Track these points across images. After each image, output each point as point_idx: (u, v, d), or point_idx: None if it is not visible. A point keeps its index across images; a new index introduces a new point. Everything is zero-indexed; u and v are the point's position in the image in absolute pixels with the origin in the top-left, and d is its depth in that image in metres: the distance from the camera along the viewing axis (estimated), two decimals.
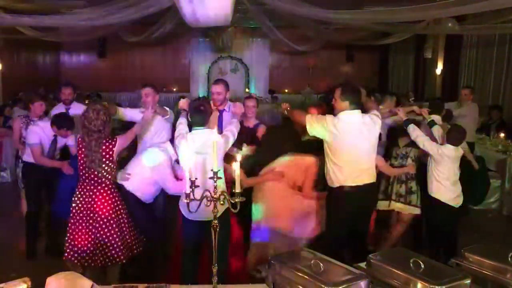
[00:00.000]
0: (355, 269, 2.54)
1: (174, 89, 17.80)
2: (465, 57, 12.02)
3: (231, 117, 4.40)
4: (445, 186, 4.38)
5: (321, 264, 2.42)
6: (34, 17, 8.48)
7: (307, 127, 3.99)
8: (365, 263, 2.67)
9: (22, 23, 9.44)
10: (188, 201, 2.50)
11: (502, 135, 7.87)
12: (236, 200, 2.43)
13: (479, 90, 11.41)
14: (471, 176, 6.99)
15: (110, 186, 3.95)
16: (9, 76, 12.29)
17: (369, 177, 3.99)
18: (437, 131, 4.66)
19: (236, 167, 2.42)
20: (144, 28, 12.45)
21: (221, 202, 2.48)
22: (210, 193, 2.49)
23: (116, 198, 3.97)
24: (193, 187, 2.51)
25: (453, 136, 4.38)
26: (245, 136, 4.49)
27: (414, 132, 4.47)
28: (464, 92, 7.45)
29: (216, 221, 2.52)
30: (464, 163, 6.96)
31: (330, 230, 4.12)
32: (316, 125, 3.93)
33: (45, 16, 8.46)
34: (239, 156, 2.47)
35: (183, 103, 4.20)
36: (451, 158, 4.33)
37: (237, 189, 2.43)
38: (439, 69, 13.31)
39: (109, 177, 3.94)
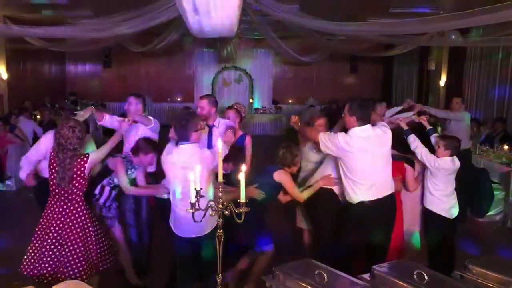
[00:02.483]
0: (359, 280, 2.55)
1: (179, 99, 17.92)
2: (469, 69, 12.05)
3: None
4: (438, 198, 4.37)
5: (325, 275, 2.44)
6: (42, 28, 8.56)
7: (320, 145, 4.01)
8: (369, 274, 2.68)
9: (29, 34, 9.54)
10: (193, 211, 2.52)
11: (506, 147, 7.86)
12: (241, 210, 2.45)
13: (483, 102, 11.45)
14: (476, 189, 7.01)
15: (80, 203, 3.90)
16: (15, 85, 12.38)
17: (387, 189, 3.99)
18: (435, 139, 4.65)
19: (241, 177, 2.44)
20: (149, 39, 12.57)
21: (226, 212, 2.51)
22: (215, 204, 2.52)
23: (86, 216, 3.91)
24: (198, 197, 2.54)
25: (449, 144, 4.38)
26: (232, 153, 4.42)
27: (414, 142, 4.47)
28: (455, 100, 7.55)
29: (221, 231, 2.54)
30: (469, 175, 7.00)
31: (347, 243, 4.10)
32: (328, 144, 3.95)
33: (52, 28, 8.53)
34: (244, 167, 2.49)
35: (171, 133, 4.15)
36: (447, 170, 4.33)
37: (242, 200, 2.45)
38: (442, 81, 13.35)
39: (80, 193, 3.88)
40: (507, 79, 10.40)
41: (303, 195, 4.31)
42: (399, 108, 6.35)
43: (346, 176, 3.96)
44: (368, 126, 3.94)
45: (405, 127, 4.61)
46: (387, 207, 3.97)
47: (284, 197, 4.41)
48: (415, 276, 2.48)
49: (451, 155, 4.34)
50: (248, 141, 4.97)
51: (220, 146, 2.64)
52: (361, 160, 3.88)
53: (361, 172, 3.90)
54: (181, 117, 3.86)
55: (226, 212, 2.50)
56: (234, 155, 4.31)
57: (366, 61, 17.03)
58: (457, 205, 4.45)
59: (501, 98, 10.64)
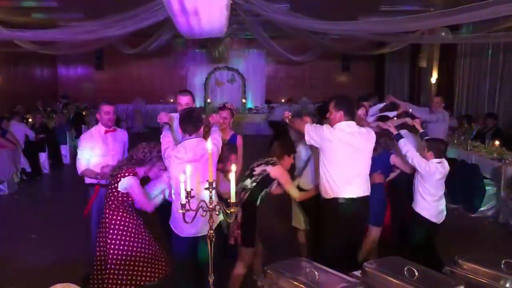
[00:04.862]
0: (350, 278, 2.56)
1: (171, 100, 17.87)
2: (460, 66, 12.13)
3: (212, 126, 4.21)
4: (429, 203, 4.38)
5: (316, 273, 2.45)
6: (31, 32, 8.51)
7: (305, 136, 4.04)
8: (360, 271, 2.70)
9: (20, 38, 9.49)
10: (183, 211, 2.52)
11: (497, 143, 7.90)
12: (232, 210, 2.45)
13: (475, 99, 11.53)
14: (467, 184, 7.06)
15: (110, 215, 3.81)
16: (6, 89, 12.34)
17: (363, 190, 4.00)
18: (424, 142, 4.67)
19: (232, 177, 2.45)
20: (141, 40, 12.55)
21: (217, 213, 2.51)
22: (206, 203, 2.52)
23: (112, 232, 3.78)
24: (189, 198, 2.54)
25: (435, 147, 4.39)
26: (226, 151, 4.39)
27: (405, 147, 4.46)
28: (436, 99, 7.61)
29: (212, 232, 2.54)
30: (461, 172, 7.05)
31: (326, 241, 4.13)
32: (313, 134, 3.98)
33: (43, 31, 8.49)
34: (234, 167, 2.50)
35: (163, 116, 4.14)
36: (437, 174, 4.34)
37: (232, 199, 2.45)
38: (434, 78, 13.42)
39: (112, 205, 3.81)
40: (497, 75, 10.46)
41: (300, 194, 4.31)
42: (382, 105, 6.34)
43: (324, 170, 3.97)
44: (353, 122, 3.98)
45: (395, 132, 4.61)
46: (360, 208, 3.98)
47: (276, 189, 4.37)
48: (405, 272, 2.50)
49: (436, 157, 4.35)
50: (240, 141, 4.97)
51: (210, 148, 2.64)
52: (341, 153, 3.90)
53: (339, 165, 3.91)
54: (191, 109, 3.87)
55: (217, 212, 2.51)
56: (226, 154, 4.27)
57: (358, 59, 17.12)
58: (445, 210, 4.48)
59: (492, 94, 10.71)
